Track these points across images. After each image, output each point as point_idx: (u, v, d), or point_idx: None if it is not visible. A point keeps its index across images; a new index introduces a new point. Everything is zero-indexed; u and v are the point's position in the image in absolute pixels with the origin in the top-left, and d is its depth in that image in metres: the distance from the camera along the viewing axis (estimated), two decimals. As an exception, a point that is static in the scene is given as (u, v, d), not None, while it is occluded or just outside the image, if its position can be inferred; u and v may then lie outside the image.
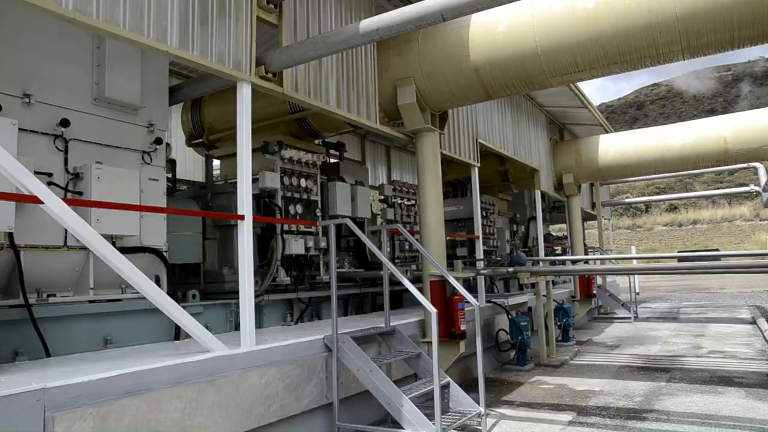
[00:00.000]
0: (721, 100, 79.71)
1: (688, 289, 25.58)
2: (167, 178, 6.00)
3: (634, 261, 14.97)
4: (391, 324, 5.88)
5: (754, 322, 13.14)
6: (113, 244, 4.55)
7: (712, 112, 65.07)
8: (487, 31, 5.99)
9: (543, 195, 12.69)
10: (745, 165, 13.32)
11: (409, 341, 5.78)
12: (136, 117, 5.55)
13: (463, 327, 6.46)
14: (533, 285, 9.14)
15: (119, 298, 5.16)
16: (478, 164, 8.91)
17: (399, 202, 9.35)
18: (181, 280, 6.56)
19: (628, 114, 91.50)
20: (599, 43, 5.40)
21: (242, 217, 4.60)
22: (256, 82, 4.91)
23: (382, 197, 9.14)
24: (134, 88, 5.46)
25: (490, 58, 6.00)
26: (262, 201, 6.66)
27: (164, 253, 5.57)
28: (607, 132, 14.52)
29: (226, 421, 3.94)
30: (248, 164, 4.66)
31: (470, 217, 9.88)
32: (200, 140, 8.45)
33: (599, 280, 15.49)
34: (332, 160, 8.98)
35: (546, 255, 12.89)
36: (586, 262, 13.01)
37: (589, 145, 13.24)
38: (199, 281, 6.80)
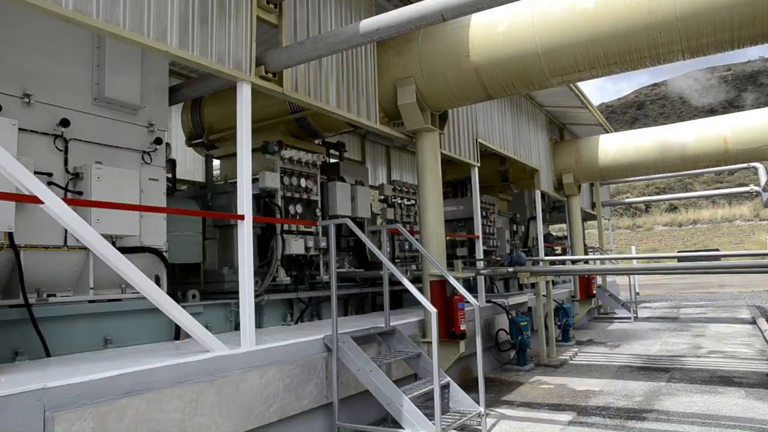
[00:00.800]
0: (721, 100, 79.76)
1: (688, 288, 25.58)
2: (167, 178, 6.00)
3: (634, 261, 14.98)
4: (391, 324, 5.88)
5: (754, 322, 13.14)
6: (113, 244, 4.55)
7: (712, 112, 65.09)
8: (487, 31, 5.99)
9: (543, 195, 12.69)
10: (745, 165, 13.33)
11: (409, 341, 5.78)
12: (136, 117, 5.55)
13: (463, 327, 6.46)
14: (533, 285, 9.14)
15: (119, 298, 5.16)
16: (478, 164, 8.91)
17: (399, 202, 9.35)
18: (181, 280, 6.56)
19: (628, 114, 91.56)
20: (599, 43, 5.40)
21: (242, 217, 4.60)
22: (256, 82, 4.91)
23: (382, 197, 9.13)
24: (134, 88, 5.46)
25: (490, 58, 6.00)
26: (262, 201, 6.66)
27: (164, 253, 5.58)
28: (607, 132, 14.52)
29: (226, 420, 3.94)
30: (248, 164, 4.66)
31: (470, 217, 9.89)
32: (200, 140, 8.45)
33: (599, 280, 15.49)
34: (332, 160, 8.98)
35: (546, 255, 12.89)
36: (586, 262, 13.01)
37: (589, 145, 13.24)
38: (199, 281, 6.80)
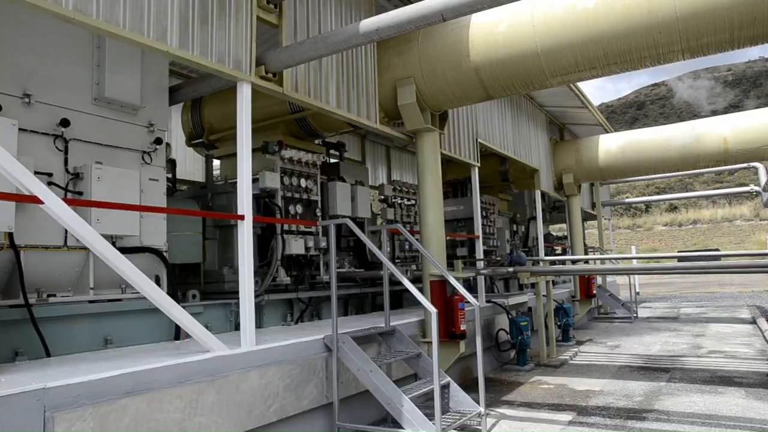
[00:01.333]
0: (720, 100, 79.77)
1: (688, 288, 25.57)
2: (167, 178, 6.00)
3: (634, 261, 14.96)
4: (391, 324, 5.88)
5: (754, 322, 13.14)
6: (113, 244, 4.55)
7: (712, 112, 65.08)
8: (487, 31, 5.99)
9: (543, 195, 12.69)
10: (745, 165, 13.32)
11: (409, 341, 5.78)
12: (136, 117, 5.55)
13: (463, 327, 6.46)
14: (533, 285, 9.14)
15: (119, 298, 5.16)
16: (478, 164, 8.91)
17: (399, 202, 9.35)
18: (181, 280, 6.56)
19: (628, 114, 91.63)
20: (599, 43, 5.40)
21: (242, 217, 4.60)
22: (256, 82, 4.91)
23: (382, 197, 9.13)
24: (134, 88, 5.46)
25: (490, 58, 6.00)
26: (262, 201, 6.66)
27: (164, 253, 5.57)
28: (607, 132, 14.51)
29: (226, 420, 3.94)
30: (248, 164, 4.66)
31: (470, 217, 9.89)
32: (200, 140, 8.45)
33: (599, 280, 15.49)
34: (332, 160, 8.98)
35: (546, 255, 12.89)
36: (586, 262, 13.01)
37: (589, 145, 13.24)
38: (199, 281, 6.80)
